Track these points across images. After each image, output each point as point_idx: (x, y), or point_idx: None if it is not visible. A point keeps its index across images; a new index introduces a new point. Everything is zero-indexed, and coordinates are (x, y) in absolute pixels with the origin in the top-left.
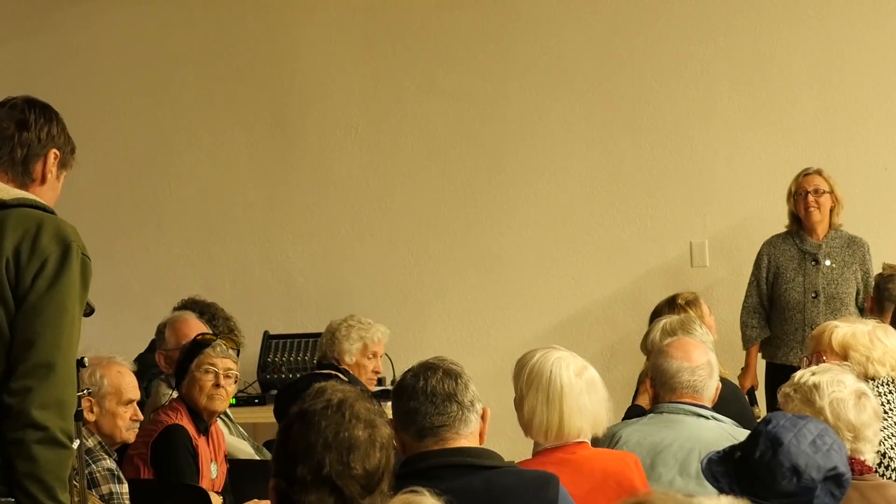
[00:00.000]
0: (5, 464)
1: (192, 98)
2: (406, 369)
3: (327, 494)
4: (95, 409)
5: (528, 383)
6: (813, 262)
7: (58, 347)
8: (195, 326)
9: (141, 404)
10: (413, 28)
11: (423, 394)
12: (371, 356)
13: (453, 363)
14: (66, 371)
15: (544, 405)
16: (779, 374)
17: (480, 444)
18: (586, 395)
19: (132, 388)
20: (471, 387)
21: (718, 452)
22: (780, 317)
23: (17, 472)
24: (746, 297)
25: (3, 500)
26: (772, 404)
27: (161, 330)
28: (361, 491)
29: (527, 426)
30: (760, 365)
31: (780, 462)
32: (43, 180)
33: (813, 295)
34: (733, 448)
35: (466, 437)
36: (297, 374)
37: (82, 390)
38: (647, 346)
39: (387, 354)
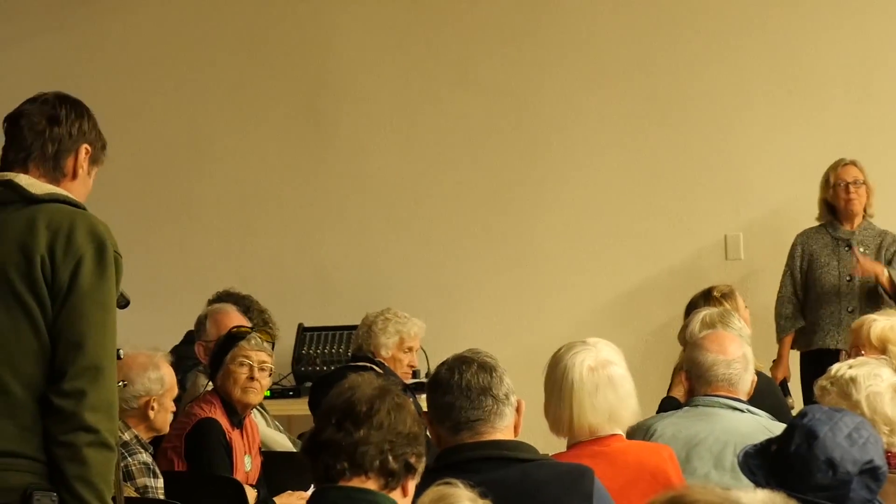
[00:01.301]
0: (51, 464)
1: (225, 91)
2: (440, 362)
3: (335, 431)
4: (156, 405)
5: (546, 376)
6: (846, 248)
7: (104, 349)
8: (236, 319)
9: (177, 397)
10: (447, 21)
11: (458, 388)
12: (407, 350)
13: (488, 356)
14: (112, 371)
15: (558, 399)
16: (814, 362)
17: (515, 436)
18: (602, 392)
19: (176, 383)
20: (505, 379)
21: (755, 446)
22: (815, 302)
23: (68, 474)
24: (780, 287)
25: (46, 493)
26: (807, 395)
27: (202, 321)
28: (362, 426)
29: (546, 418)
30: (794, 356)
31: (815, 455)
32: (74, 176)
33: (848, 278)
34: (769, 441)
35: (501, 430)
36: (332, 367)
37: (118, 382)
38: (686, 338)
39: (421, 347)
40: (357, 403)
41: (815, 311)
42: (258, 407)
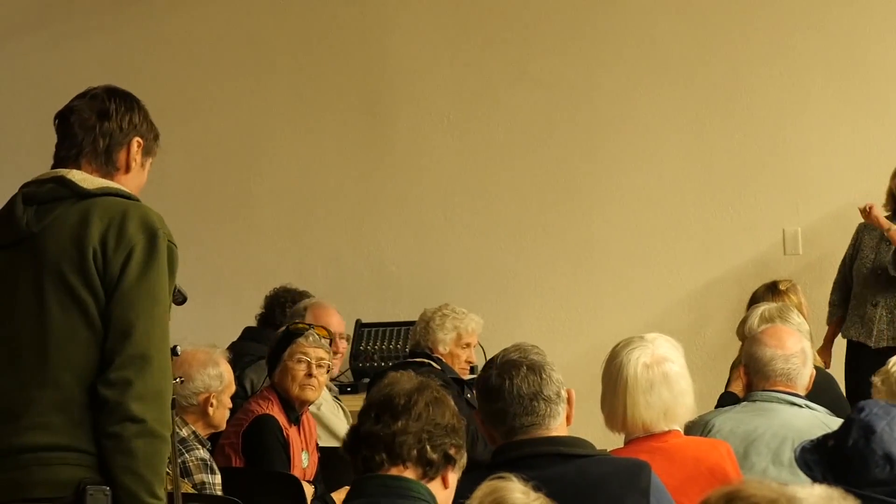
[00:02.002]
0: (101, 456)
1: (283, 86)
2: (486, 363)
3: (373, 423)
4: (215, 401)
5: (603, 371)
6: (886, 242)
7: (152, 338)
8: (335, 318)
9: (235, 395)
10: (505, 16)
11: (510, 395)
12: (465, 346)
13: (535, 352)
14: (162, 361)
15: (613, 395)
16: (850, 351)
17: (568, 424)
18: (657, 390)
19: (234, 380)
20: (554, 376)
21: (811, 441)
22: (852, 293)
23: (115, 465)
24: (836, 275)
25: (99, 487)
26: (851, 383)
27: (300, 312)
28: (400, 418)
29: (602, 412)
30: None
31: (872, 450)
32: (127, 169)
33: (879, 272)
34: (826, 436)
35: (556, 428)
36: (390, 363)
37: (175, 378)
38: (745, 332)
39: (480, 343)
40: (395, 396)
41: (850, 302)
42: (339, 403)
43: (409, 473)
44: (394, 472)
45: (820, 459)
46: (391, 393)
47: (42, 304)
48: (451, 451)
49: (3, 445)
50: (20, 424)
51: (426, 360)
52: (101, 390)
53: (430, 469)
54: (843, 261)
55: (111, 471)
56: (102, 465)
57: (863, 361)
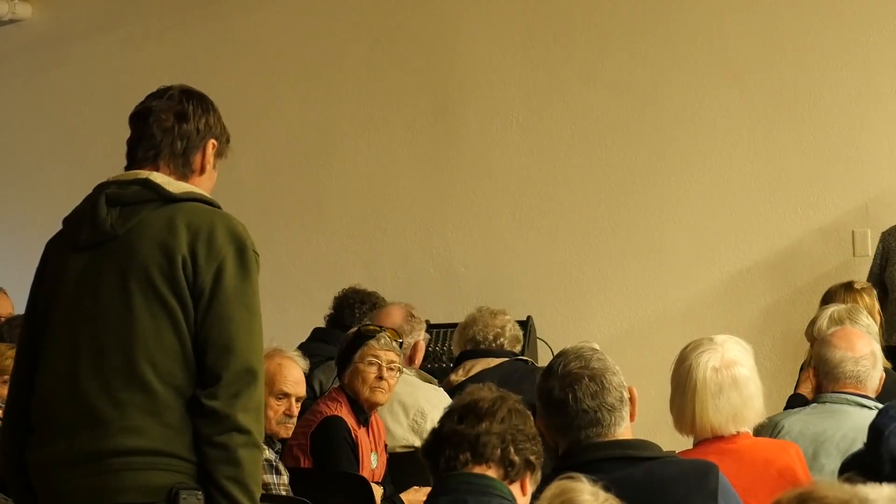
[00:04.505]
0: (203, 465)
1: (353, 87)
2: (547, 369)
3: (457, 423)
4: None
5: (672, 373)
6: None
7: (254, 351)
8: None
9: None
10: (574, 17)
11: (573, 409)
12: None
13: (595, 358)
14: (262, 373)
15: (682, 398)
16: (890, 357)
17: (631, 420)
18: (726, 394)
19: (290, 383)
20: (615, 381)
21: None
22: (888, 299)
23: (221, 475)
24: None
25: (192, 491)
26: None
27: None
28: (484, 420)
29: (671, 414)
30: None
31: (879, 453)
32: (202, 171)
33: None
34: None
35: (622, 433)
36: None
37: None
38: (813, 334)
39: (546, 342)
40: (480, 401)
41: (888, 307)
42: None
43: (492, 473)
44: (477, 470)
45: (849, 465)
46: (475, 398)
47: (129, 307)
48: (532, 458)
49: (89, 449)
50: (109, 428)
51: (525, 358)
52: (207, 402)
53: (512, 471)
54: (871, 271)
55: (215, 480)
56: (203, 473)
57: None
